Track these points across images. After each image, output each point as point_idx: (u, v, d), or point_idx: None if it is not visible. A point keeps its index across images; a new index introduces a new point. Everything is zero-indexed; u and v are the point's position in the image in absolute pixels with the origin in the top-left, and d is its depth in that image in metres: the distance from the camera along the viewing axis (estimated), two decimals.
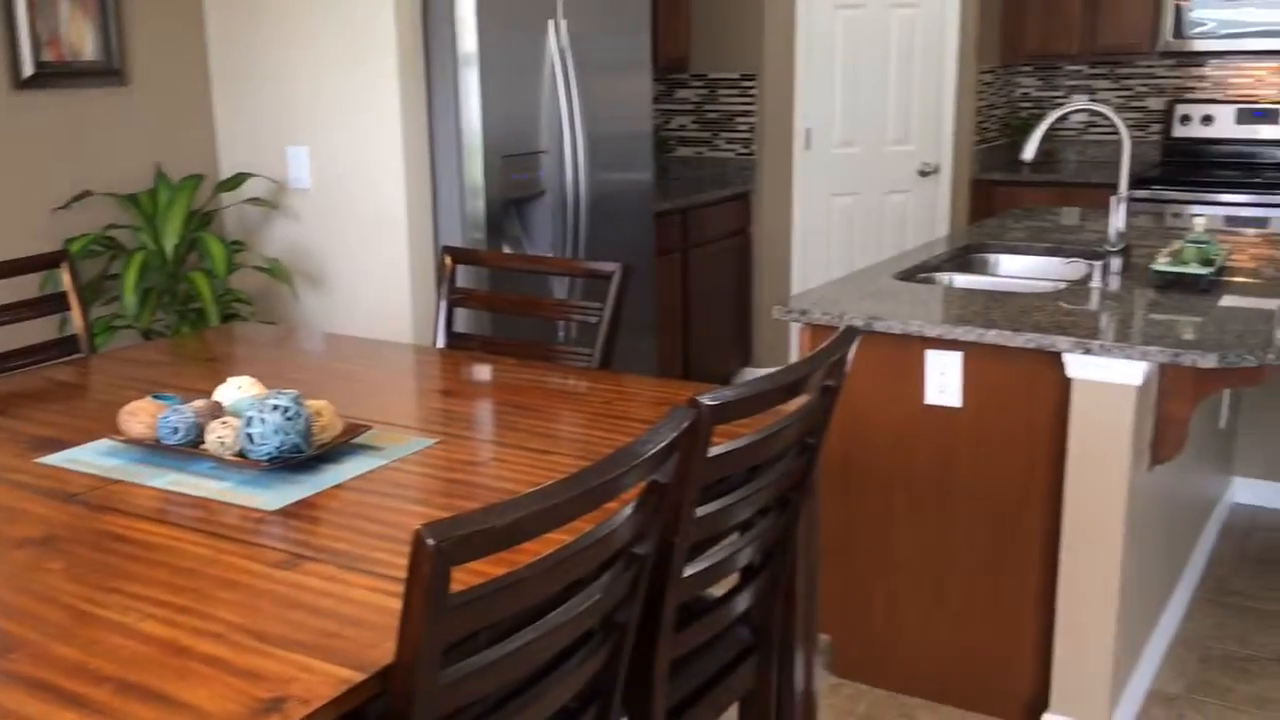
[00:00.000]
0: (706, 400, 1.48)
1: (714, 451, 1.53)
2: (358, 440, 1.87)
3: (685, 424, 1.42)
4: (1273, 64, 5.29)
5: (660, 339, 4.50)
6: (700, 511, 1.58)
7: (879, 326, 2.53)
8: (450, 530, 1.09)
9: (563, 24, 3.57)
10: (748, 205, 5.18)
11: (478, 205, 3.37)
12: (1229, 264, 3.03)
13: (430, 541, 1.07)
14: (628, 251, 3.99)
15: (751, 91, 5.11)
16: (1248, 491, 3.85)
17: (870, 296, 2.73)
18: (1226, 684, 2.78)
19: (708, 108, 5.25)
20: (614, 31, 3.82)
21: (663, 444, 1.38)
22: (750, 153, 5.17)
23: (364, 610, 1.32)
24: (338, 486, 1.70)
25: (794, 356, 5.33)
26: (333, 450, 1.81)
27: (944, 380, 2.55)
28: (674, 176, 5.38)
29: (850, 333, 1.82)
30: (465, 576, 1.31)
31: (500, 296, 2.85)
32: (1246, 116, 5.30)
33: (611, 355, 2.52)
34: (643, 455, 1.34)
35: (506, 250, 3.50)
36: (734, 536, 1.78)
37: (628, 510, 1.37)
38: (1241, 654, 2.92)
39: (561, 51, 3.57)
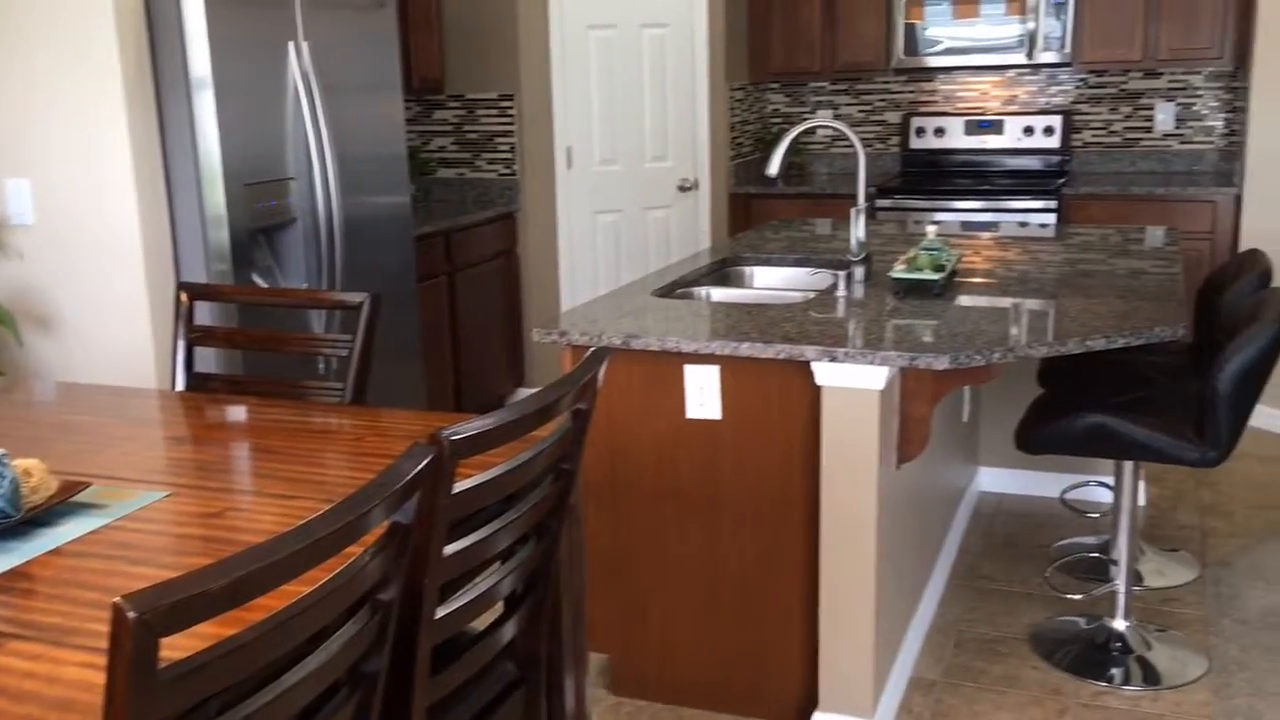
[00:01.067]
0: (448, 435, 1.44)
1: (460, 487, 1.48)
2: (76, 499, 1.72)
3: (425, 461, 1.37)
4: (995, 78, 5.69)
5: (429, 365, 4.41)
6: (450, 548, 1.53)
7: (637, 344, 2.55)
8: (156, 599, 1.00)
9: (304, 45, 3.44)
10: (513, 225, 5.16)
11: (221, 235, 3.21)
12: (963, 267, 3.22)
13: (131, 614, 0.98)
14: (388, 277, 3.89)
15: (510, 111, 5.09)
16: (992, 479, 4.11)
17: (630, 314, 2.75)
18: (980, 666, 2.94)
19: (467, 128, 5.20)
20: (360, 53, 3.72)
21: (400, 484, 1.32)
22: (512, 172, 5.15)
23: (75, 690, 1.21)
24: (52, 553, 1.56)
25: None
26: (46, 513, 1.66)
27: (703, 394, 2.59)
28: (437, 199, 5.30)
29: (599, 354, 1.81)
30: (189, 642, 1.22)
31: (242, 333, 2.72)
32: (974, 128, 5.68)
33: (365, 388, 2.43)
34: (378, 498, 1.29)
35: (258, 281, 3.34)
36: (492, 568, 1.74)
37: (367, 556, 1.31)
38: (991, 635, 3.09)
39: (304, 74, 3.44)
